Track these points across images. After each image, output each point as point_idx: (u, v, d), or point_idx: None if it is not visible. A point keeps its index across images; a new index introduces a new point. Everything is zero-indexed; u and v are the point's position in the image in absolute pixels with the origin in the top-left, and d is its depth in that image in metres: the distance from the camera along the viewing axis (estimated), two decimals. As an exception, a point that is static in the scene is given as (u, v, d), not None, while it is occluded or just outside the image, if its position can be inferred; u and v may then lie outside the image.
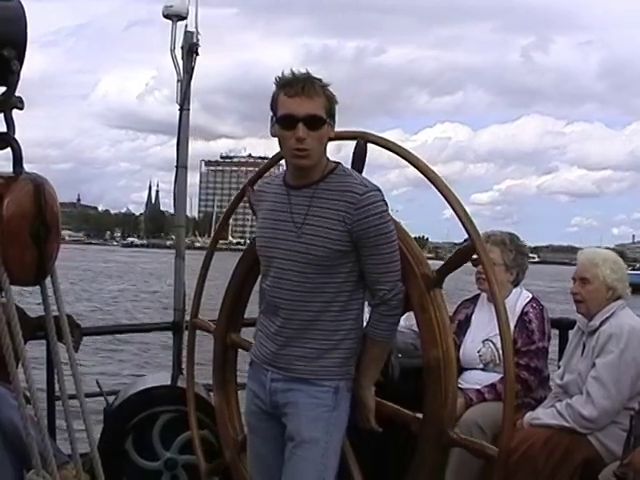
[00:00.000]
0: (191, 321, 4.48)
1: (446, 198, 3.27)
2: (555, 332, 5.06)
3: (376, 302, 3.19)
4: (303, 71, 3.11)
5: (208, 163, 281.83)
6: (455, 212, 3.23)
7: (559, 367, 4.34)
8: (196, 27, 5.24)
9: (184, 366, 4.95)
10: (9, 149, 1.97)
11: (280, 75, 3.11)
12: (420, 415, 3.28)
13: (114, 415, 4.93)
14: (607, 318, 4.04)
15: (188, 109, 5.33)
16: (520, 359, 4.24)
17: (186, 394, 4.56)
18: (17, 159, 1.95)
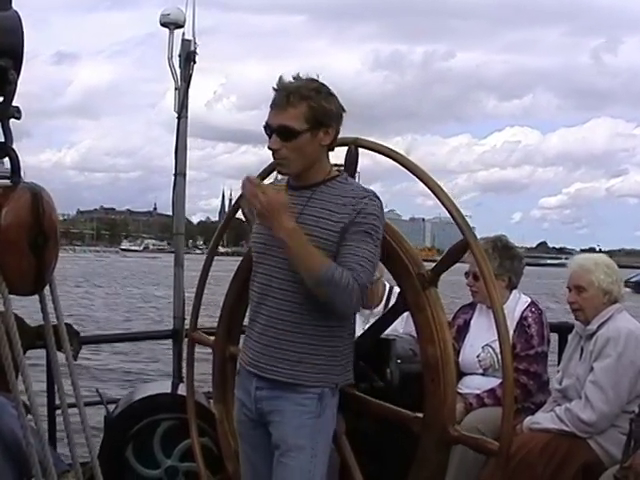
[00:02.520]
0: (190, 335, 4.46)
1: (439, 198, 3.26)
2: (555, 336, 5.06)
3: (349, 272, 2.98)
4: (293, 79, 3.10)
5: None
6: (448, 211, 3.23)
7: (558, 371, 4.33)
8: (193, 35, 5.26)
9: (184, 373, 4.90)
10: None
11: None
12: (420, 415, 3.27)
13: (114, 423, 4.92)
14: (604, 322, 4.04)
15: (186, 117, 5.35)
16: (519, 364, 4.24)
17: (186, 402, 4.54)
18: (15, 168, 1.94)
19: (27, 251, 1.91)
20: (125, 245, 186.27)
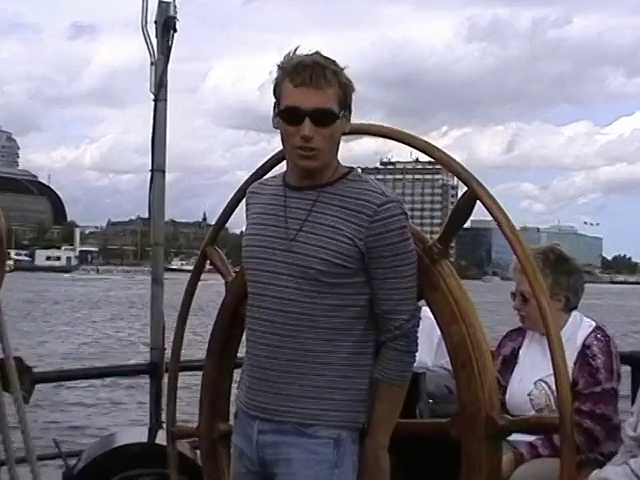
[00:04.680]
0: (168, 432, 4.45)
1: (425, 151, 3.54)
2: (627, 370, 5.05)
3: (393, 335, 3.21)
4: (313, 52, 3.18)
5: (366, 171, 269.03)
6: (441, 162, 3.48)
7: (632, 414, 4.21)
8: (173, -4, 5.25)
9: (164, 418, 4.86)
10: None
11: (286, 55, 3.20)
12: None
13: (76, 482, 4.91)
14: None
15: (165, 100, 5.36)
16: (582, 404, 4.21)
17: (167, 453, 4.47)
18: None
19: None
20: (176, 264, 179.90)
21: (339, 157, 3.30)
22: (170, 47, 5.30)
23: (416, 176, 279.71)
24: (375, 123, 3.81)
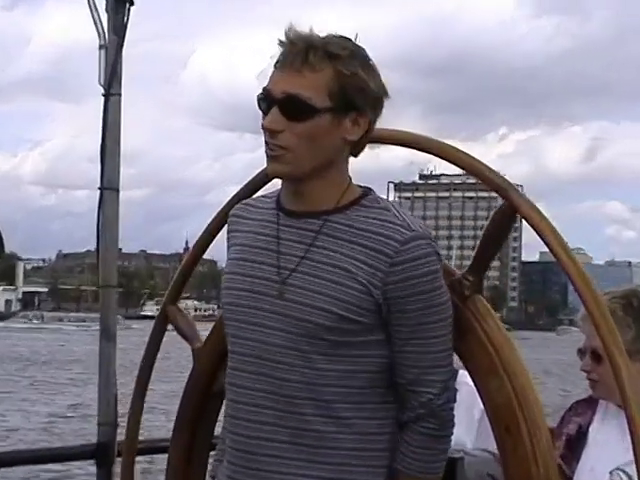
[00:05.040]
0: None
1: (441, 155, 3.46)
2: None
3: (416, 414, 3.05)
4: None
5: (401, 187, 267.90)
6: (465, 167, 3.37)
7: None
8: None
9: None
10: None
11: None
12: None
13: None
14: None
15: (119, 94, 4.98)
16: (674, 500, 3.80)
17: None
18: None
19: None
20: (151, 309, 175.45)
21: (359, 169, 3.19)
22: (125, 25, 4.90)
23: (467, 193, 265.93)
24: (385, 127, 3.45)
